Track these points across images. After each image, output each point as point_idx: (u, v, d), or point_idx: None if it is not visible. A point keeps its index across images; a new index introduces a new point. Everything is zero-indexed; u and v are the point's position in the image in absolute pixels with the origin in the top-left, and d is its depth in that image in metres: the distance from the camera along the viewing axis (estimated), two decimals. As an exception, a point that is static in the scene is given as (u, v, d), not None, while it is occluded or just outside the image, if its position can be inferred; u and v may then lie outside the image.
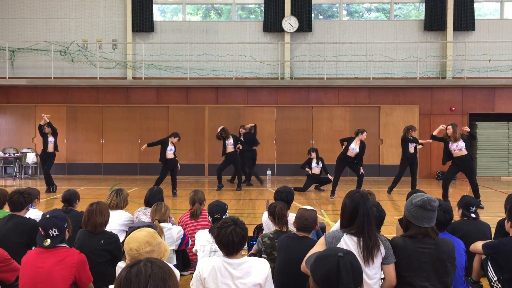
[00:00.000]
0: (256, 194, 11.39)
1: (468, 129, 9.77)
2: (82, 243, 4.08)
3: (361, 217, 3.17)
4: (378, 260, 3.16)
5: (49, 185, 11.44)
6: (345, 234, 3.20)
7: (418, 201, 3.21)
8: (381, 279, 3.28)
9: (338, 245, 3.12)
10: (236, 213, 8.31)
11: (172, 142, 10.85)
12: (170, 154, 10.83)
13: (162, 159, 10.88)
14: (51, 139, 11.51)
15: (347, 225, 3.24)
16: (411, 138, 11.03)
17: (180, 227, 4.91)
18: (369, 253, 3.11)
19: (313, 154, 11.90)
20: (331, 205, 9.82)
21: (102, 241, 4.15)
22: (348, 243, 3.15)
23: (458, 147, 9.28)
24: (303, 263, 3.21)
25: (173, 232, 4.69)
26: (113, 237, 4.27)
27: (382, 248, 3.17)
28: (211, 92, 15.26)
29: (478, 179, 9.81)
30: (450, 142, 9.38)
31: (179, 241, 4.73)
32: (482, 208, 9.04)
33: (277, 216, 4.34)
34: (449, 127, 9.45)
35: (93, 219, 4.17)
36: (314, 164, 11.83)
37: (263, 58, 15.26)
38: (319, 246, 3.24)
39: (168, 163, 10.85)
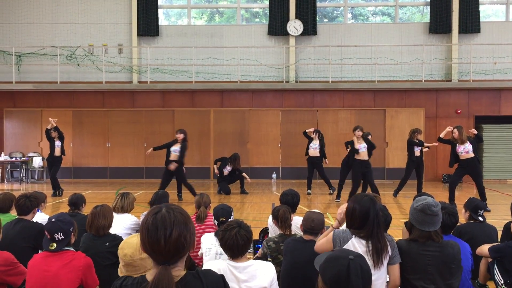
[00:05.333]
0: (261, 198, 11.39)
1: (475, 132, 9.74)
2: (87, 247, 4.09)
3: (371, 221, 3.16)
4: (385, 262, 3.16)
5: (56, 189, 11.49)
6: (353, 236, 3.19)
7: (419, 205, 3.21)
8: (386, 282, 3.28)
9: (345, 247, 3.12)
10: (241, 216, 8.31)
11: (178, 139, 10.66)
12: (174, 156, 10.65)
13: (167, 163, 10.78)
14: (57, 143, 11.56)
15: (356, 229, 3.23)
16: (417, 141, 10.99)
17: None
18: (378, 256, 3.10)
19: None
20: (337, 208, 9.79)
21: (107, 243, 4.15)
22: (356, 245, 3.14)
23: (465, 150, 9.26)
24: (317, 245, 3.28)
25: None
26: (117, 239, 4.27)
27: (389, 249, 3.17)
28: (216, 95, 15.30)
29: (484, 182, 9.77)
30: (457, 144, 9.35)
31: None
32: (489, 211, 8.99)
33: (280, 219, 4.34)
34: (455, 130, 9.42)
35: (96, 222, 4.18)
36: (314, 145, 11.64)
37: (268, 61, 15.28)
38: (327, 240, 3.25)
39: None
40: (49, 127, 11.42)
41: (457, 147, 9.35)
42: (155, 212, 1.77)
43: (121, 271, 2.94)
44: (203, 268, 3.26)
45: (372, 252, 3.10)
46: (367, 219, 3.16)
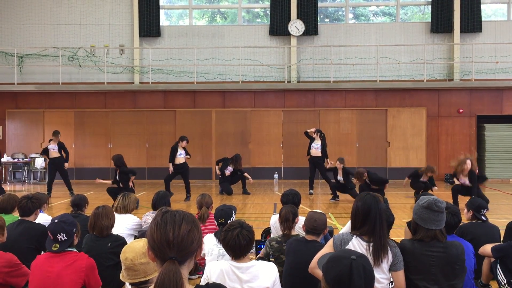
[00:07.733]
0: (263, 198, 11.39)
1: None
2: (89, 247, 4.09)
3: (373, 218, 3.17)
4: (384, 263, 3.15)
5: (71, 189, 11.62)
6: (354, 237, 3.20)
7: (425, 203, 3.21)
8: (390, 282, 3.27)
9: (347, 248, 3.12)
10: (243, 217, 8.31)
11: (181, 147, 10.96)
12: (180, 159, 10.93)
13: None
14: (53, 146, 11.46)
15: (359, 227, 3.23)
16: (424, 179, 10.70)
17: None
18: (376, 254, 3.11)
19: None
20: (339, 208, 9.79)
21: (109, 244, 4.16)
22: (357, 246, 3.14)
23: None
24: (311, 265, 3.21)
25: None
26: (120, 239, 4.28)
27: (389, 253, 3.16)
28: (218, 96, 15.30)
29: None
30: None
31: None
32: (487, 210, 8.96)
33: (282, 219, 4.35)
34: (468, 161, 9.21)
35: (99, 222, 4.19)
36: (316, 145, 11.60)
37: (269, 61, 15.27)
38: (328, 248, 3.24)
39: (177, 167, 10.93)
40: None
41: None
42: (164, 212, 1.81)
43: (123, 275, 2.95)
44: (206, 268, 3.27)
45: (372, 249, 3.10)
46: (368, 215, 3.17)
